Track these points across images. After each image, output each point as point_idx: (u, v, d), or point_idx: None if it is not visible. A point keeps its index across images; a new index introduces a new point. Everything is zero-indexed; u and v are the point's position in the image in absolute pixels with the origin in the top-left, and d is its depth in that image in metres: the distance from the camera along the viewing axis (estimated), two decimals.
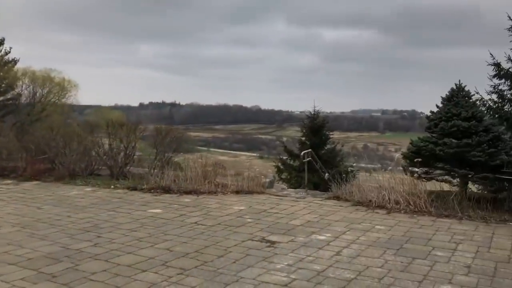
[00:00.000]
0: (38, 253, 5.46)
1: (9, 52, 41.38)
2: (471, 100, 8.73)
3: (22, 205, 8.15)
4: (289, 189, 10.82)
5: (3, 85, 42.20)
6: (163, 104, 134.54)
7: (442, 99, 8.85)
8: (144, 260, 5.25)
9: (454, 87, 8.78)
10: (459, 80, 8.84)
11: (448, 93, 8.81)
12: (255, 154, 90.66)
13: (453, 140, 8.05)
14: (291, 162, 16.30)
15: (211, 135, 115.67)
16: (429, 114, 9.13)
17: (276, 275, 4.83)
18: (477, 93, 9.74)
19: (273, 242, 6.06)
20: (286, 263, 5.22)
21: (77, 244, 5.85)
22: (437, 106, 8.92)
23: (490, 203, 7.78)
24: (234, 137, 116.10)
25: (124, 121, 13.10)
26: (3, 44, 42.28)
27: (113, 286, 4.49)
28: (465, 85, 8.82)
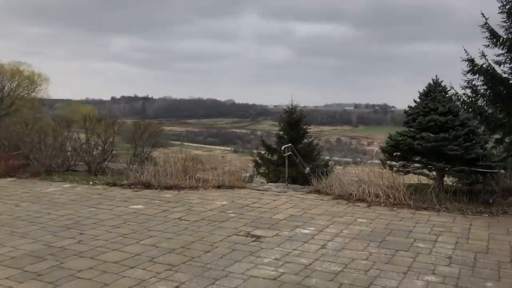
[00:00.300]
0: (21, 251, 5.34)
1: None
2: (447, 95, 8.96)
3: None
4: (270, 184, 10.89)
5: None
6: (135, 98, 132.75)
7: (419, 94, 9.05)
8: (130, 257, 5.21)
9: (431, 82, 9.00)
10: (436, 76, 9.08)
11: (425, 88, 9.02)
12: (229, 148, 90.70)
13: (431, 134, 8.26)
14: (269, 157, 16.39)
15: (185, 129, 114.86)
16: (406, 109, 9.33)
17: (264, 269, 4.88)
18: (452, 88, 10.00)
19: (258, 237, 6.10)
20: (273, 257, 5.27)
21: (60, 241, 5.75)
22: (415, 101, 9.12)
23: (466, 195, 8.04)
24: (208, 131, 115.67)
25: (102, 116, 12.87)
26: None
27: (102, 283, 4.44)
28: (442, 81, 9.06)
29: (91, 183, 9.86)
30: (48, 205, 7.82)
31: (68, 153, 11.63)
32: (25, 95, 43.20)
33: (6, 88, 41.28)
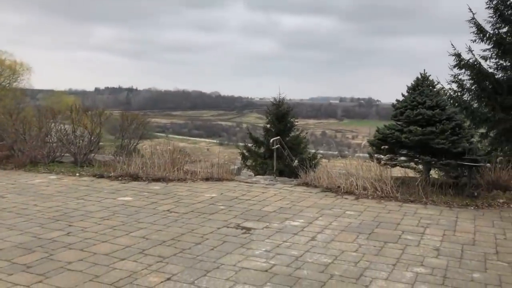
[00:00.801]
0: (8, 243, 5.27)
1: None
2: (435, 89, 9.06)
3: None
4: (258, 176, 10.90)
5: None
6: (120, 89, 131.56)
7: (407, 88, 9.13)
8: (121, 249, 5.18)
9: (419, 76, 9.08)
10: (424, 70, 9.15)
11: (413, 82, 9.09)
12: (215, 141, 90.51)
13: (418, 128, 8.34)
14: (256, 149, 16.40)
15: (170, 121, 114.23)
16: (394, 102, 9.40)
17: (255, 261, 4.90)
18: (438, 82, 10.11)
19: (248, 229, 6.11)
20: (264, 249, 5.29)
21: (49, 233, 5.69)
22: (403, 95, 9.20)
23: (451, 188, 8.17)
24: (194, 123, 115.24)
25: (88, 107, 12.70)
26: None
27: (92, 275, 4.41)
28: (430, 75, 9.15)
29: (77, 174, 9.76)
30: (35, 196, 7.72)
31: (54, 144, 11.46)
32: (7, 85, 42.44)
33: None
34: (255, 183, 9.28)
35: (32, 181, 9.07)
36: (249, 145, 16.82)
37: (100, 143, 12.23)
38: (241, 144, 19.24)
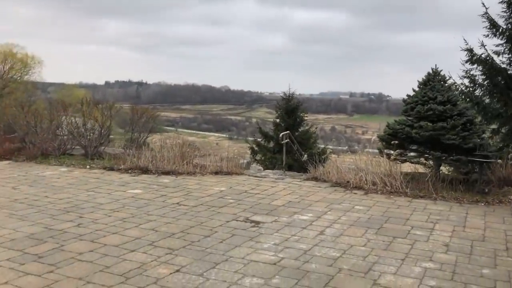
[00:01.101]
0: (20, 233, 5.34)
1: None
2: (446, 85, 8.98)
3: None
4: (267, 170, 10.91)
5: None
6: (129, 83, 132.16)
7: (418, 83, 9.06)
8: (130, 240, 5.23)
9: (431, 71, 9.00)
10: (435, 65, 9.08)
11: (424, 77, 9.02)
12: (224, 135, 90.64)
13: (429, 124, 8.29)
14: (266, 144, 16.41)
15: (179, 115, 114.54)
16: (405, 97, 9.35)
17: (264, 254, 4.91)
18: (450, 77, 10.02)
19: (257, 222, 6.13)
20: (272, 243, 5.31)
21: (60, 224, 5.75)
22: (414, 90, 9.13)
23: (462, 184, 8.11)
24: (203, 117, 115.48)
25: (99, 100, 12.79)
26: None
27: (103, 266, 4.46)
28: (441, 70, 9.07)
29: (88, 167, 9.84)
30: (46, 188, 7.80)
31: (64, 136, 11.56)
32: (18, 78, 42.85)
33: None
34: (264, 177, 9.29)
35: (43, 173, 9.17)
36: (259, 139, 16.83)
37: (110, 136, 12.32)
38: (250, 138, 19.27)
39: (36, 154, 10.69)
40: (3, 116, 12.17)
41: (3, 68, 41.21)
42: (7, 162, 10.30)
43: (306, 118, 17.05)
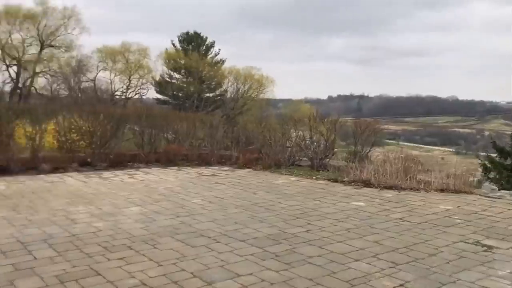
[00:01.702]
0: (260, 233, 6.17)
1: (218, 53, 46.90)
2: None
3: (240, 190, 9.26)
4: (503, 191, 9.82)
5: (213, 83, 48.31)
6: (351, 97, 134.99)
7: None
8: (355, 250, 5.48)
9: None
10: None
11: None
12: (450, 149, 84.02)
13: None
14: (501, 161, 14.72)
15: (401, 127, 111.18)
16: None
17: (499, 282, 4.53)
18: None
19: (490, 247, 5.65)
20: (509, 271, 4.84)
21: (291, 228, 6.42)
22: None
23: None
24: (426, 130, 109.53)
25: (324, 115, 13.65)
26: (213, 47, 48.01)
27: (330, 271, 4.82)
28: None
29: (314, 178, 10.60)
30: (279, 195, 8.75)
31: (294, 149, 12.71)
32: (255, 96, 48.61)
33: (240, 90, 47.24)
34: (499, 199, 8.42)
35: (276, 181, 10.28)
36: (493, 155, 15.21)
37: (334, 150, 12.96)
38: (482, 153, 17.52)
39: (270, 164, 12.05)
40: (244, 131, 14.08)
41: (243, 88, 47.39)
42: (247, 170, 11.91)
43: None
